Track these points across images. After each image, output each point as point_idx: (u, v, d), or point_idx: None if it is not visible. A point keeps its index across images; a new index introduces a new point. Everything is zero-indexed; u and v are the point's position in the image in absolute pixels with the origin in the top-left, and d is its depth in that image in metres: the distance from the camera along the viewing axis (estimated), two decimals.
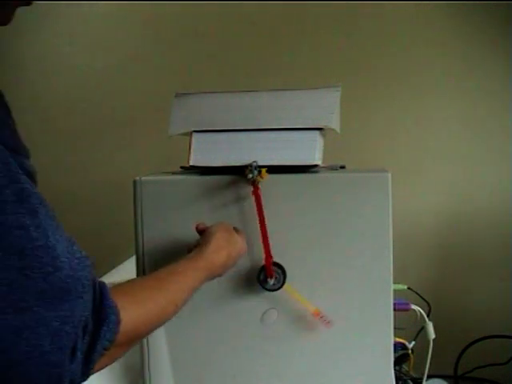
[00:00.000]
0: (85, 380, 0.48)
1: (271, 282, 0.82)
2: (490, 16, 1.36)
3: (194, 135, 0.87)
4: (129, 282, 0.60)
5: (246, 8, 1.46)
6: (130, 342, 0.54)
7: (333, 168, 0.92)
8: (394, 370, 0.87)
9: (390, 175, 0.82)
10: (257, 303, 0.85)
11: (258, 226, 0.82)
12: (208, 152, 0.86)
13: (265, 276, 0.82)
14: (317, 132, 0.84)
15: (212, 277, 0.72)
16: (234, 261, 0.76)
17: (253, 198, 0.81)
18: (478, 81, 1.40)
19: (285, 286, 0.83)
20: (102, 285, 0.51)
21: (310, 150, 0.83)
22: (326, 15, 1.44)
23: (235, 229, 0.81)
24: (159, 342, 0.87)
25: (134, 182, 0.86)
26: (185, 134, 0.89)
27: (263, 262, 0.82)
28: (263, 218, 0.81)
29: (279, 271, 0.83)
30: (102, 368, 0.50)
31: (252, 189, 0.81)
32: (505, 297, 1.36)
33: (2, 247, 0.43)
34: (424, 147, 1.42)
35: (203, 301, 0.85)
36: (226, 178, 0.84)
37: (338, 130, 0.87)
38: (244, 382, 0.87)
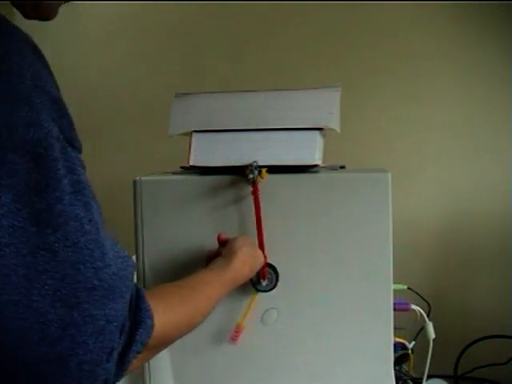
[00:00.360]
0: (116, 382, 0.48)
1: (264, 283, 0.83)
2: (493, 14, 1.36)
3: (194, 135, 0.87)
4: (160, 287, 0.61)
5: (247, 8, 1.46)
6: (158, 347, 0.55)
7: (333, 168, 0.92)
8: (394, 369, 0.87)
9: (390, 175, 0.82)
10: (257, 303, 0.85)
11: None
12: (208, 152, 0.86)
13: (257, 277, 0.83)
14: (317, 132, 0.84)
15: (235, 287, 0.74)
16: (253, 273, 0.80)
17: (252, 198, 0.81)
18: (478, 81, 1.40)
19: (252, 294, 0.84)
20: (138, 287, 0.51)
21: (310, 150, 0.83)
22: (326, 15, 1.44)
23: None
24: None
25: (134, 182, 0.86)
26: (185, 134, 0.89)
27: None
28: (260, 219, 0.81)
29: (272, 272, 0.83)
30: (131, 371, 0.51)
31: (251, 189, 0.81)
32: (505, 297, 1.36)
33: (58, 238, 0.42)
34: (424, 147, 1.42)
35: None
36: (226, 178, 0.84)
37: (338, 130, 0.87)
38: (244, 381, 0.87)
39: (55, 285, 0.42)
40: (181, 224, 0.85)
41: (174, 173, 0.93)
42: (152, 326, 0.50)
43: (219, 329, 0.86)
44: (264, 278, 0.83)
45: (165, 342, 0.56)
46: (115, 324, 0.45)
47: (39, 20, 0.54)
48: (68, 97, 1.57)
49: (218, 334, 0.86)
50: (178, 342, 0.86)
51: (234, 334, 0.84)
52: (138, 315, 0.49)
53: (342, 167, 0.95)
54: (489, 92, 1.39)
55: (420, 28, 1.41)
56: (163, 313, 0.53)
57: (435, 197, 1.42)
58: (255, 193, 0.81)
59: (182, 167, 0.95)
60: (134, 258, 0.87)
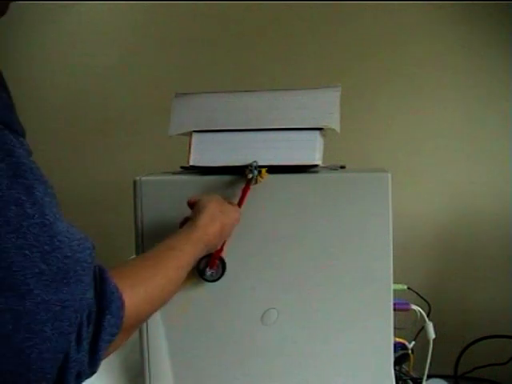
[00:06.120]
0: (93, 373, 0.46)
1: (209, 272, 0.81)
2: (492, 15, 1.36)
3: (194, 135, 0.87)
4: (125, 263, 0.58)
5: (246, 8, 1.46)
6: (134, 326, 0.52)
7: (333, 168, 0.92)
8: (394, 370, 0.87)
9: (389, 175, 0.82)
10: (257, 303, 0.85)
11: (259, 224, 0.82)
12: (208, 152, 0.86)
13: (205, 266, 0.81)
14: (317, 132, 0.84)
15: (208, 248, 0.71)
16: (228, 231, 0.75)
17: (262, 195, 0.81)
18: (478, 81, 1.40)
19: None
20: (102, 269, 0.49)
21: (310, 150, 0.84)
22: (326, 15, 1.44)
23: (228, 202, 0.79)
24: (159, 342, 0.87)
25: (134, 182, 0.86)
26: (185, 134, 0.89)
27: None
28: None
29: (220, 264, 0.81)
30: (106, 357, 0.49)
31: (244, 186, 0.81)
32: (505, 297, 1.36)
33: None
34: (424, 147, 1.42)
35: (203, 301, 0.85)
36: (226, 178, 0.84)
37: (338, 129, 0.87)
38: (244, 381, 0.87)
39: (1, 273, 0.40)
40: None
41: (174, 173, 0.93)
42: (121, 309, 0.47)
43: (219, 329, 0.86)
44: (211, 268, 0.81)
45: (139, 320, 0.54)
46: (72, 309, 0.43)
47: None
48: (68, 97, 1.57)
49: (217, 334, 0.86)
50: (178, 342, 0.86)
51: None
52: (104, 299, 0.46)
53: (342, 167, 0.95)
54: (489, 92, 1.39)
55: (420, 29, 1.41)
56: (132, 290, 0.51)
57: (435, 197, 1.42)
58: (245, 190, 0.80)
59: (182, 167, 0.95)
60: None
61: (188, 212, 0.75)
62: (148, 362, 0.87)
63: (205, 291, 0.84)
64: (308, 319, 0.85)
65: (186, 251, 0.64)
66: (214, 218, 0.71)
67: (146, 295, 0.54)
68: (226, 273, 0.82)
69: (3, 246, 0.40)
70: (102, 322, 0.46)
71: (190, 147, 0.87)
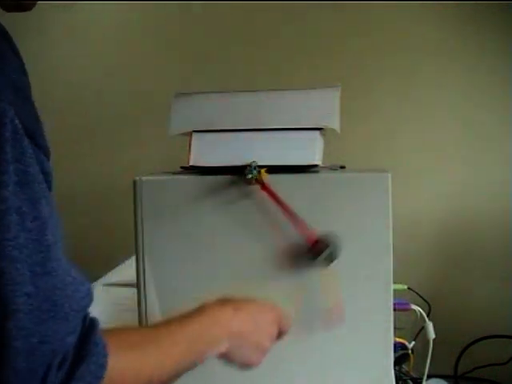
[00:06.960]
0: None
1: (325, 253, 0.78)
2: (492, 17, 1.36)
3: (194, 135, 0.87)
4: (121, 327, 0.51)
5: (246, 8, 1.46)
6: None
7: (333, 168, 0.92)
8: (394, 370, 0.87)
9: (390, 175, 0.82)
10: None
11: (258, 224, 0.82)
12: (208, 152, 0.86)
13: (315, 251, 0.79)
14: (317, 132, 0.84)
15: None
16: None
17: (261, 195, 0.80)
18: (478, 82, 1.40)
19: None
20: (93, 318, 0.43)
21: (310, 150, 0.84)
22: (327, 15, 1.44)
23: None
24: None
25: (134, 182, 0.86)
26: (185, 134, 0.89)
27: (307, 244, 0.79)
28: (287, 206, 0.79)
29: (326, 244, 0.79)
30: None
31: (260, 187, 0.80)
32: (505, 297, 1.36)
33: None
34: (424, 147, 1.42)
35: (203, 301, 0.85)
36: (226, 178, 0.84)
37: (338, 130, 0.87)
38: (244, 381, 0.87)
39: None
40: (181, 224, 0.85)
41: (174, 173, 0.93)
42: (102, 366, 0.41)
43: None
44: (322, 251, 0.78)
45: None
46: (50, 347, 0.38)
47: (18, 12, 0.52)
48: (68, 97, 1.57)
49: None
50: None
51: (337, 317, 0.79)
52: (85, 349, 0.40)
53: (342, 167, 0.95)
54: (489, 91, 1.39)
55: (421, 29, 1.41)
56: (121, 354, 0.44)
57: (435, 197, 1.42)
58: (266, 189, 0.79)
59: (182, 167, 0.95)
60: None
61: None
62: None
63: (205, 291, 0.84)
64: (307, 319, 0.85)
65: (188, 331, 0.59)
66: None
67: (136, 364, 0.47)
68: (227, 273, 0.82)
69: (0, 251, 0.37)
70: (74, 372, 0.40)
71: (190, 147, 0.87)
